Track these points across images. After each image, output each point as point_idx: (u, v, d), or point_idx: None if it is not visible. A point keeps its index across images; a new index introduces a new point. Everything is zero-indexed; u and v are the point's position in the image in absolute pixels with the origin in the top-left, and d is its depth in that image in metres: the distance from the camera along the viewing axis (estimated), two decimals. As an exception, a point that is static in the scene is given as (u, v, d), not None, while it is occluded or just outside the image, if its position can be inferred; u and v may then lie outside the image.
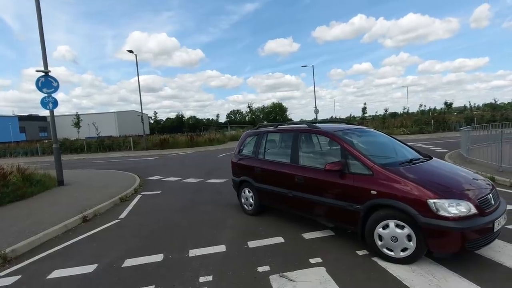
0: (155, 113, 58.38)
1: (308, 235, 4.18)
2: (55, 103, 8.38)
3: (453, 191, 3.05)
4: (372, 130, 4.89)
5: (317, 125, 4.44)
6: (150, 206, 6.46)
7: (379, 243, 3.29)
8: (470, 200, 2.97)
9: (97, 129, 25.72)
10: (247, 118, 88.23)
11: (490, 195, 3.21)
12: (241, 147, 5.68)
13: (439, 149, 13.62)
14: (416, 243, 3.06)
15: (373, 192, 3.31)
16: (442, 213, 2.89)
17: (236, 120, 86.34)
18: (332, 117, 79.85)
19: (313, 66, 31.41)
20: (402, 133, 24.69)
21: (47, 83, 8.13)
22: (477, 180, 3.49)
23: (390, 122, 29.86)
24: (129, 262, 3.67)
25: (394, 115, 56.23)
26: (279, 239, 4.12)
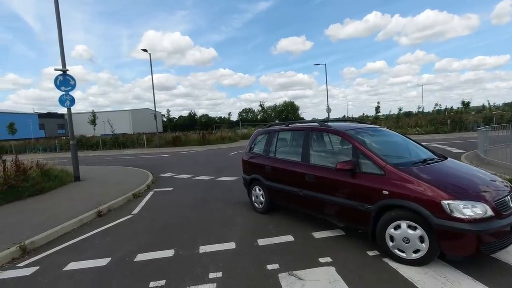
0: (168, 111, 59.43)
1: (318, 234, 4.16)
2: (73, 100, 8.63)
3: (468, 192, 2.97)
4: (385, 129, 4.81)
5: (329, 123, 4.40)
6: (162, 203, 6.58)
7: (391, 244, 3.24)
8: (486, 202, 2.89)
9: (112, 126, 26.31)
10: (259, 117, 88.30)
11: (508, 197, 3.10)
12: (252, 145, 5.69)
13: (455, 150, 13.24)
14: (429, 244, 3.00)
15: (385, 192, 3.26)
16: (457, 214, 2.81)
17: (247, 119, 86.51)
18: (344, 116, 78.79)
19: (325, 64, 31.27)
20: (416, 132, 24.13)
21: (65, 81, 8.39)
22: (494, 181, 3.38)
23: (404, 122, 29.22)
24: (141, 257, 3.76)
25: (408, 114, 55.01)
26: (289, 238, 4.12)
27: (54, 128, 56.35)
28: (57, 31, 8.29)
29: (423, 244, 3.03)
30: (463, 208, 2.82)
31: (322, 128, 4.35)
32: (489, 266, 3.08)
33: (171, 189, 8.01)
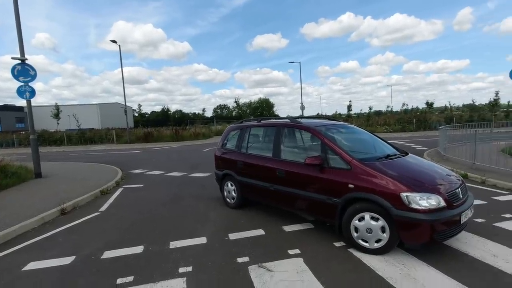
0: (139, 105, 57.01)
1: (288, 228, 4.27)
2: (33, 92, 8.08)
3: (424, 185, 3.20)
4: (354, 126, 5.02)
5: (300, 120, 4.52)
6: (132, 199, 6.39)
7: (355, 234, 3.42)
8: (440, 194, 3.13)
9: (77, 121, 24.91)
10: (234, 113, 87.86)
11: (459, 189, 3.39)
12: (225, 141, 5.69)
13: (419, 147, 14.10)
14: (389, 234, 3.20)
15: (351, 186, 3.42)
16: (414, 205, 3.03)
17: (222, 115, 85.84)
18: (318, 114, 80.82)
19: (300, 62, 31.77)
20: (385, 131, 25.34)
21: (23, 71, 7.82)
22: (448, 175, 3.67)
23: (374, 120, 30.56)
24: (108, 254, 3.65)
25: (379, 113, 57.39)
26: (260, 232, 4.19)
27: (12, 122, 52.29)
28: (14, 16, 7.68)
29: (384, 234, 3.23)
30: (419, 199, 3.04)
31: (293, 124, 4.46)
32: (442, 253, 3.34)
33: (141, 185, 7.79)
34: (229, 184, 5.34)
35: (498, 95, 26.20)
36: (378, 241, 3.29)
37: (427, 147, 13.65)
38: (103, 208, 5.74)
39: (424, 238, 3.05)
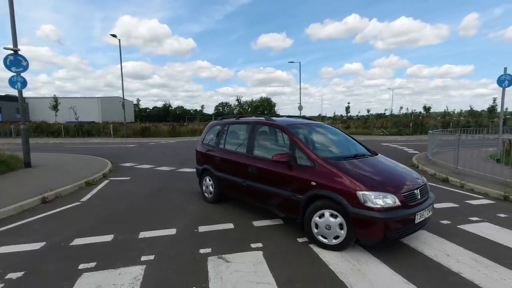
0: (138, 100, 56.71)
1: (258, 223, 4.38)
2: (24, 82, 8.21)
3: (382, 185, 3.29)
4: (330, 127, 5.12)
5: (274, 118, 4.62)
6: (115, 191, 6.51)
7: (315, 230, 3.52)
8: (396, 194, 3.22)
9: (75, 113, 25.10)
10: (235, 111, 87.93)
11: (418, 190, 3.48)
12: (205, 137, 5.80)
13: (411, 151, 14.13)
14: (347, 231, 3.30)
15: (313, 183, 3.53)
16: (369, 204, 3.13)
17: (223, 113, 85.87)
18: (319, 114, 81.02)
19: (300, 62, 31.81)
20: (381, 133, 25.36)
21: (16, 62, 7.94)
22: (410, 176, 3.76)
23: (371, 123, 30.56)
24: (78, 241, 3.77)
25: (381, 116, 57.41)
26: (230, 225, 4.30)
27: (13, 112, 52.50)
28: (8, 6, 7.78)
29: (342, 231, 3.34)
30: (375, 198, 3.14)
31: (267, 122, 4.56)
32: (398, 251, 3.44)
33: (128, 178, 7.91)
34: (207, 179, 5.45)
35: (496, 101, 26.16)
36: (336, 237, 3.39)
37: (418, 150, 13.68)
38: (84, 199, 5.86)
39: (378, 235, 3.15)
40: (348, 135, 4.90)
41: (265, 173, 4.18)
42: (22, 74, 8.19)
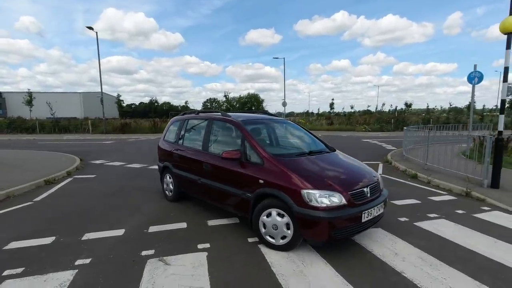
0: (119, 95, 54.75)
1: (212, 222, 4.23)
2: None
3: (328, 183, 3.18)
4: (290, 122, 5.00)
5: (230, 113, 4.46)
6: (74, 190, 6.22)
7: (263, 230, 3.40)
8: (342, 192, 3.12)
9: (51, 108, 24.21)
10: (223, 107, 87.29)
11: (368, 188, 3.39)
12: (166, 133, 5.59)
13: (389, 147, 14.28)
14: (293, 231, 3.19)
15: (261, 181, 3.40)
16: (313, 203, 3.02)
17: (211, 109, 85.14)
18: (307, 111, 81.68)
19: (284, 58, 31.53)
20: (363, 130, 25.61)
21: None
22: (363, 173, 3.66)
23: (354, 119, 30.83)
24: (13, 245, 3.53)
25: (366, 112, 58.11)
26: (183, 225, 4.14)
27: (-10, 108, 50.53)
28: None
29: (289, 230, 3.22)
30: (319, 197, 3.03)
31: (222, 118, 4.39)
32: (346, 250, 3.36)
33: (93, 176, 7.61)
34: (168, 177, 5.26)
35: (474, 99, 26.80)
36: (283, 237, 3.28)
37: (396, 147, 13.84)
38: (38, 198, 5.56)
39: (322, 235, 3.05)
40: (308, 131, 4.79)
41: (218, 171, 4.02)
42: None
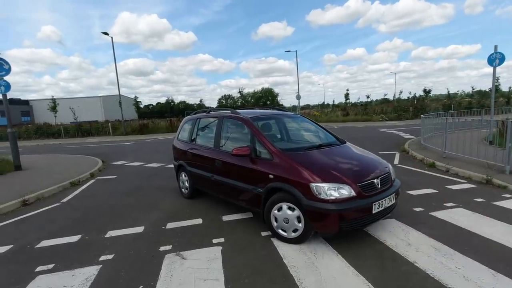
0: (136, 97, 56.03)
1: (227, 217, 4.36)
2: (8, 86, 8.25)
3: (336, 176, 3.20)
4: (299, 116, 5.02)
5: (239, 111, 4.54)
6: (98, 191, 6.56)
7: (275, 224, 3.48)
8: (351, 184, 3.14)
9: (74, 113, 25.31)
10: (238, 103, 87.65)
11: (379, 179, 3.38)
12: (180, 132, 5.76)
13: (407, 135, 13.90)
14: (304, 224, 3.25)
15: (271, 176, 3.47)
16: (322, 196, 3.06)
17: (226, 105, 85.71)
18: (323, 103, 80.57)
19: (296, 51, 31.14)
20: (380, 119, 25.00)
21: (-3, 66, 7.96)
22: (374, 164, 3.65)
23: (371, 109, 30.11)
24: (44, 243, 3.80)
25: (384, 101, 56.55)
26: (198, 221, 4.29)
27: (18, 115, 53.24)
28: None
29: (300, 223, 3.28)
30: (328, 190, 3.06)
31: (232, 115, 4.48)
32: (359, 241, 3.39)
33: (114, 177, 7.96)
34: (183, 175, 5.44)
35: (499, 81, 25.41)
36: (295, 230, 3.34)
37: (414, 135, 13.45)
38: (65, 199, 5.92)
39: (333, 227, 3.09)
40: (318, 124, 4.80)
41: (229, 167, 4.13)
42: (5, 78, 8.23)
